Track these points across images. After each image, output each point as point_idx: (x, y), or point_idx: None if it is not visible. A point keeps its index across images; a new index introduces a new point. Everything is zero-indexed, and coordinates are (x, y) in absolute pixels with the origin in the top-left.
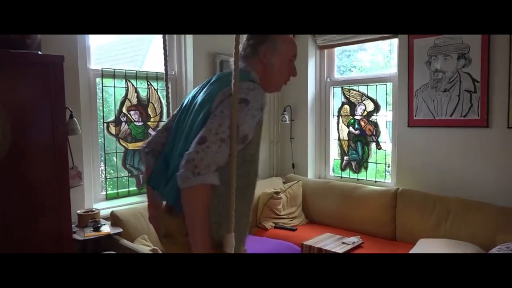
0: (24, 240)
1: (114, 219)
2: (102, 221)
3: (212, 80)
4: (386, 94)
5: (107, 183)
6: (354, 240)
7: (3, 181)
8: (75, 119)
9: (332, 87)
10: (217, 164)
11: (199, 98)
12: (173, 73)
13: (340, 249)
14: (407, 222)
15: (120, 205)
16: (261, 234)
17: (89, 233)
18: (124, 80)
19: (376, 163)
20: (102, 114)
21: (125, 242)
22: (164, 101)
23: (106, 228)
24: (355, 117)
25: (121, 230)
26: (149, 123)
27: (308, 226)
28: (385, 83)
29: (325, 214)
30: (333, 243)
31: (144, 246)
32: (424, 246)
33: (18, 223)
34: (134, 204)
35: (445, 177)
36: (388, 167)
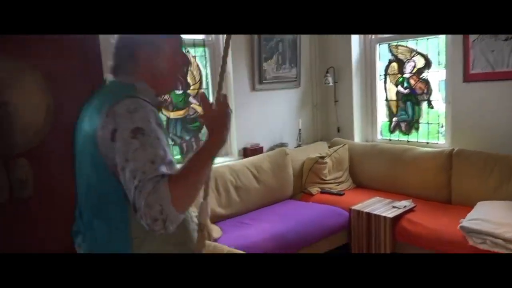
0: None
1: None
2: None
3: (92, 105)
4: (438, 48)
5: None
6: (405, 204)
7: (54, 151)
8: None
9: (378, 44)
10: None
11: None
12: (210, 39)
13: (390, 213)
14: (464, 184)
15: None
16: (307, 200)
17: None
18: None
19: (428, 123)
20: None
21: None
22: (202, 69)
23: None
24: (404, 75)
25: None
26: (189, 91)
27: (356, 191)
28: (436, 36)
29: (374, 178)
30: (383, 207)
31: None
32: (484, 209)
33: (66, 196)
34: None
35: (506, 134)
36: (442, 127)
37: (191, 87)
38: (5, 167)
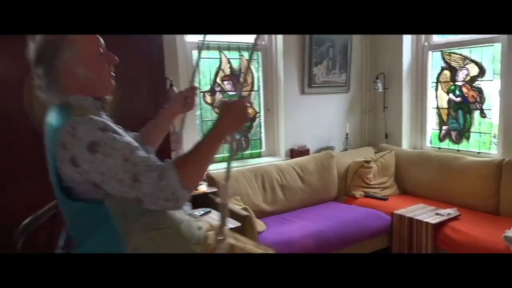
0: None
1: (210, 180)
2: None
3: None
4: (493, 56)
5: None
6: (449, 211)
7: None
8: (175, 88)
9: (430, 51)
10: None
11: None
12: (263, 43)
13: (433, 219)
14: None
15: (215, 169)
16: (350, 203)
17: None
18: (218, 52)
19: (480, 132)
20: (199, 84)
21: (220, 200)
22: (255, 72)
23: (203, 188)
24: (456, 83)
25: (216, 189)
26: (243, 92)
27: (400, 197)
28: (491, 44)
29: (420, 185)
30: (426, 213)
31: (237, 205)
32: None
33: None
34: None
35: None
36: (495, 137)
37: (243, 89)
38: None
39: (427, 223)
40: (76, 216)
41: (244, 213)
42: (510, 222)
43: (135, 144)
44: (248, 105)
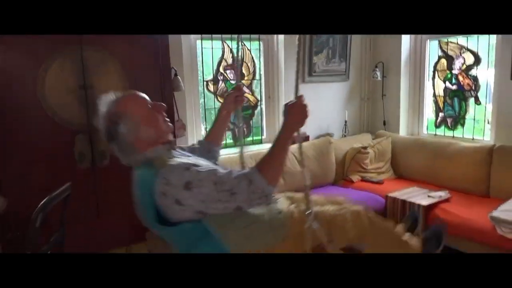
0: None
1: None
2: None
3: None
4: (489, 45)
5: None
6: (441, 194)
7: None
8: (179, 77)
9: (428, 40)
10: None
11: None
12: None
13: (424, 201)
14: (503, 179)
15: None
16: (347, 186)
17: None
18: (220, 42)
19: (474, 119)
20: (202, 73)
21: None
22: (256, 61)
23: None
24: (453, 71)
25: None
26: (243, 81)
27: (395, 181)
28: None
29: (415, 170)
30: (418, 196)
31: None
32: None
33: None
34: (230, 154)
35: None
36: (488, 123)
37: (245, 78)
38: (90, 140)
39: (419, 204)
40: (178, 236)
41: None
42: (498, 203)
43: (213, 166)
44: (305, 102)
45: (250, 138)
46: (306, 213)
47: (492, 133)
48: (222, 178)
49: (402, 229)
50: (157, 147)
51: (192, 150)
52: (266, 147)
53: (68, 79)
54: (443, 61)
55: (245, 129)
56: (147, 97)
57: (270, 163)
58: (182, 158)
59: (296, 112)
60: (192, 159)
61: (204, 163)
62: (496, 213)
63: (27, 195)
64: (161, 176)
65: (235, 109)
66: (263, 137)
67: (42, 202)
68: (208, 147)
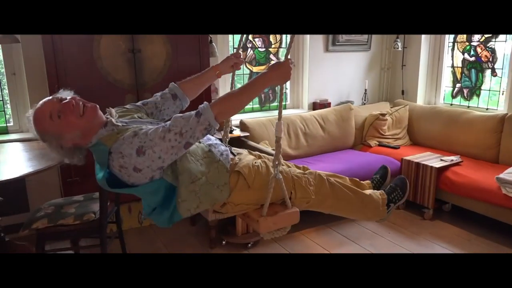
0: None
1: (242, 126)
2: (233, 127)
3: None
4: None
5: None
6: (453, 158)
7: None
8: (214, 44)
9: None
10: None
11: None
12: None
13: (437, 164)
14: None
15: (247, 117)
16: (365, 150)
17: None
18: None
19: (490, 90)
20: (232, 41)
21: (251, 143)
22: None
23: (237, 132)
24: (472, 43)
25: (248, 134)
26: (270, 49)
27: (411, 146)
28: None
29: (430, 137)
30: (431, 159)
31: (265, 146)
32: None
33: None
34: (257, 117)
35: None
36: (502, 94)
37: (272, 46)
38: (137, 99)
39: (431, 167)
40: (147, 194)
41: (273, 152)
42: (506, 168)
43: (160, 123)
44: (291, 66)
45: (275, 104)
46: (274, 163)
47: (505, 104)
48: (170, 126)
49: (368, 186)
50: (98, 131)
51: (143, 104)
52: (289, 112)
53: (119, 43)
54: None
55: (270, 94)
56: (47, 106)
57: (226, 99)
58: (129, 126)
59: (279, 69)
60: (139, 119)
61: (148, 120)
62: (502, 175)
63: None
64: (114, 151)
65: (229, 72)
66: (287, 102)
67: None
68: (179, 95)
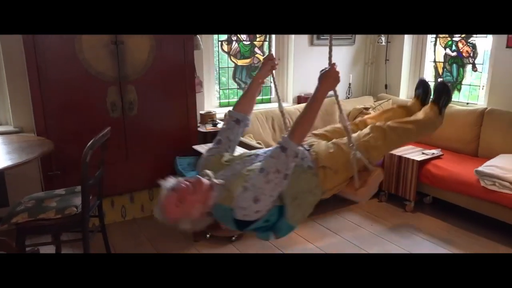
0: (166, 127)
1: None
2: (218, 121)
3: None
4: None
5: (220, 93)
6: (434, 152)
7: (153, 81)
8: (198, 37)
9: None
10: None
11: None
12: None
13: (418, 157)
14: (491, 140)
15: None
16: None
17: (209, 128)
18: None
19: (470, 85)
20: (216, 34)
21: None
22: None
23: (221, 125)
24: (453, 38)
25: None
26: (255, 42)
27: None
28: None
29: None
30: (413, 153)
31: (250, 140)
32: (502, 159)
33: (160, 116)
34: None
35: None
36: (482, 89)
37: (257, 39)
38: (120, 91)
39: (413, 160)
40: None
41: (258, 146)
42: (485, 161)
43: (253, 167)
44: (338, 70)
45: (259, 98)
46: (350, 145)
47: (485, 98)
48: (266, 169)
49: (416, 103)
50: (211, 195)
51: (218, 144)
52: (274, 106)
53: (102, 35)
54: None
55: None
56: (168, 199)
57: (299, 126)
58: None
59: (329, 77)
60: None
61: (238, 166)
62: (481, 168)
63: (65, 140)
64: (235, 207)
65: (269, 75)
66: (271, 96)
67: (90, 142)
68: (240, 118)
